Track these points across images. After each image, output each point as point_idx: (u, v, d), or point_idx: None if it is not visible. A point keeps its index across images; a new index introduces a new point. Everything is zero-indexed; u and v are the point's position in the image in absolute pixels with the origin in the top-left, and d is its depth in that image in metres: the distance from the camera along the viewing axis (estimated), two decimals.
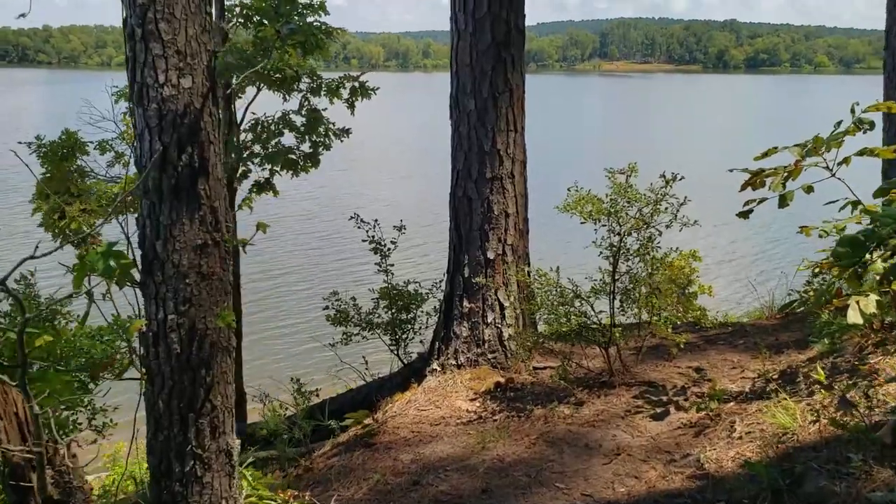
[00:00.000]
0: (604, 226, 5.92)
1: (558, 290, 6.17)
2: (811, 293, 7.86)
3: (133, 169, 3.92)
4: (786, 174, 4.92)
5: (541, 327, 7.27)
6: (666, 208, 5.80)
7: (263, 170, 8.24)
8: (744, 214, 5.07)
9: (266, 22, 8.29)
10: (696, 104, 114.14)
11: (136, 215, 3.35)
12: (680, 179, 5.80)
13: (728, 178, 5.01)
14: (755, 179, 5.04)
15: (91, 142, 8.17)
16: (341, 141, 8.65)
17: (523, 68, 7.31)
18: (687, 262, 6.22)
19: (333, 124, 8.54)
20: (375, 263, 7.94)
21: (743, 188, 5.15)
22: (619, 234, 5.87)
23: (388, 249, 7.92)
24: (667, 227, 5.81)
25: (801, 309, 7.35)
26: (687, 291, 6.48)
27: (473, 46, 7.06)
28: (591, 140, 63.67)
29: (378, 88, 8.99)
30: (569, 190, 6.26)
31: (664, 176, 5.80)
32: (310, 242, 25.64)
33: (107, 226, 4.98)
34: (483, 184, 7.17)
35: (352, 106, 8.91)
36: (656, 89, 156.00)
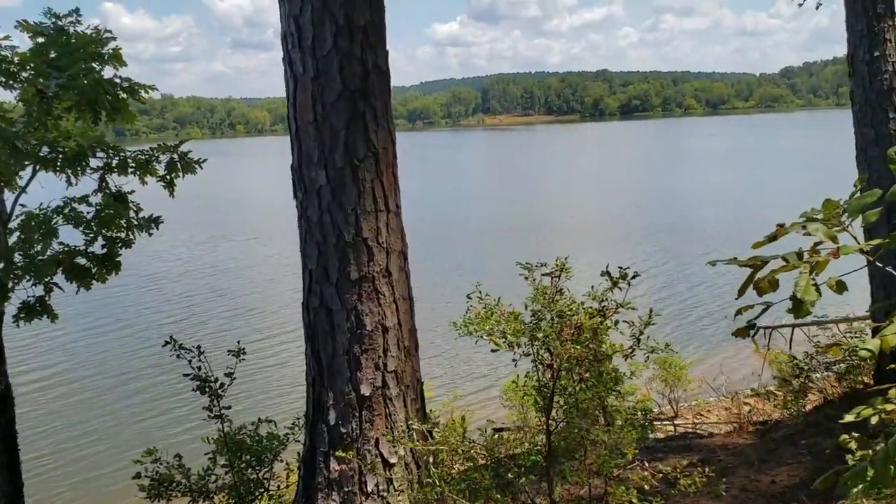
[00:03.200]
0: (526, 355, 3.86)
1: (467, 446, 4.05)
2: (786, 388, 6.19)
3: None
4: (811, 267, 3.07)
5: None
6: (616, 322, 3.81)
7: (35, 285, 5.79)
8: (743, 332, 3.20)
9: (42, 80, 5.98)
10: (584, 151, 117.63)
11: None
12: (633, 278, 3.84)
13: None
14: (764, 280, 3.16)
15: None
16: (149, 234, 6.32)
17: (391, 123, 5.27)
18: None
19: (137, 212, 6.19)
20: (204, 407, 5.59)
21: (741, 292, 3.28)
22: (550, 365, 3.81)
23: (222, 386, 5.59)
24: (625, 357, 3.81)
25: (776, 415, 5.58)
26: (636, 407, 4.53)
27: (317, 97, 4.98)
28: (488, 198, 63.22)
29: (205, 160, 6.73)
30: (468, 297, 4.19)
31: (608, 274, 3.82)
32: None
33: None
34: (347, 288, 5.02)
35: (170, 185, 6.61)
36: (541, 140, 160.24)
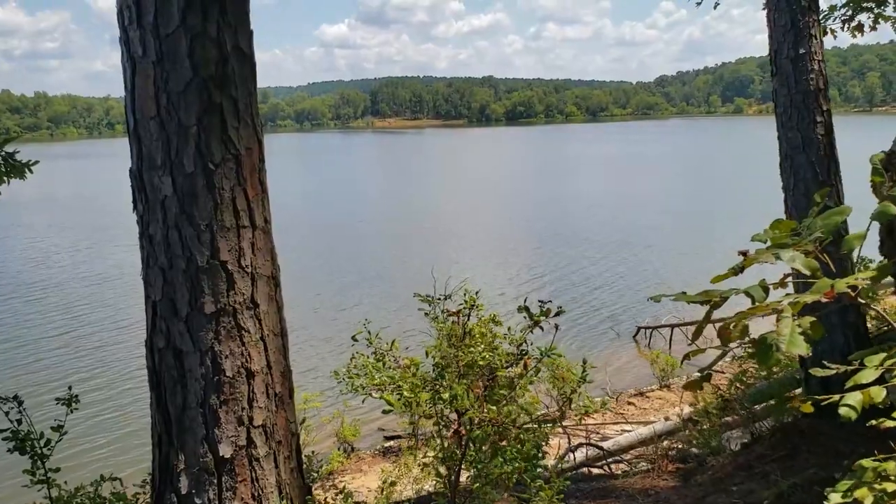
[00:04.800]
0: (427, 417, 3.02)
1: None
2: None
3: None
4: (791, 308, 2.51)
5: None
6: (538, 370, 3.03)
7: None
8: (695, 385, 2.63)
9: None
10: (473, 154, 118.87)
11: None
12: (557, 314, 3.07)
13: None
14: (733, 327, 2.56)
15: None
16: None
17: (256, 118, 4.30)
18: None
19: None
20: (25, 471, 4.43)
21: (696, 336, 2.70)
22: (457, 431, 2.98)
23: (48, 444, 4.45)
24: (551, 424, 3.03)
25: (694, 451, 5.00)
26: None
27: (161, 86, 3.95)
28: (378, 201, 62.32)
29: (36, 162, 5.54)
30: (353, 339, 3.31)
31: (527, 310, 3.04)
32: None
33: None
34: (201, 324, 4.01)
35: None
36: (431, 143, 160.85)
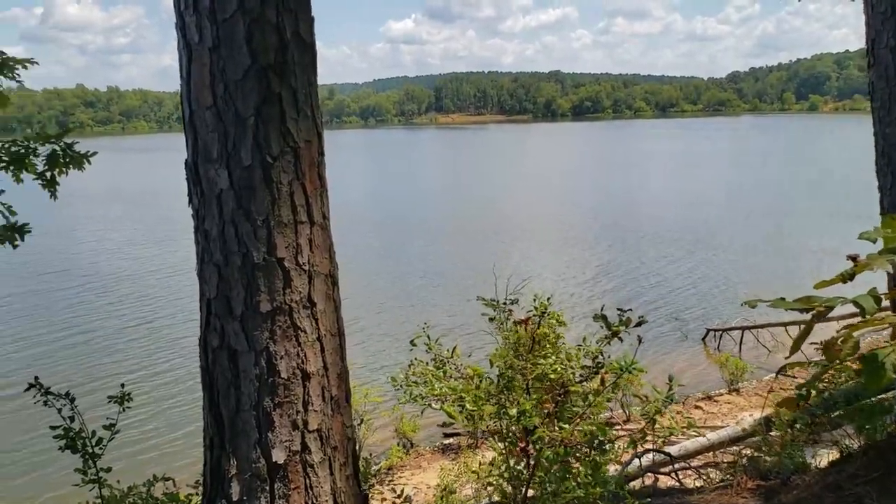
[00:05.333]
0: (492, 433, 2.76)
1: None
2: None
3: None
4: None
5: None
6: (615, 386, 2.73)
7: None
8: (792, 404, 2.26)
9: None
10: (539, 150, 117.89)
11: None
12: (638, 324, 2.76)
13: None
14: (843, 344, 2.24)
15: None
16: (13, 246, 5.03)
17: (317, 110, 4.10)
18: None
19: (7, 216, 4.91)
20: (76, 469, 4.36)
21: (795, 350, 2.39)
22: (524, 449, 2.71)
23: (100, 443, 4.37)
24: (630, 444, 2.73)
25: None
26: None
27: (217, 74, 3.80)
28: (444, 196, 62.28)
29: (94, 154, 5.49)
30: (412, 344, 3.08)
31: (603, 319, 2.73)
32: None
33: None
34: (256, 324, 3.85)
35: (51, 183, 5.36)
36: (495, 138, 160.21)
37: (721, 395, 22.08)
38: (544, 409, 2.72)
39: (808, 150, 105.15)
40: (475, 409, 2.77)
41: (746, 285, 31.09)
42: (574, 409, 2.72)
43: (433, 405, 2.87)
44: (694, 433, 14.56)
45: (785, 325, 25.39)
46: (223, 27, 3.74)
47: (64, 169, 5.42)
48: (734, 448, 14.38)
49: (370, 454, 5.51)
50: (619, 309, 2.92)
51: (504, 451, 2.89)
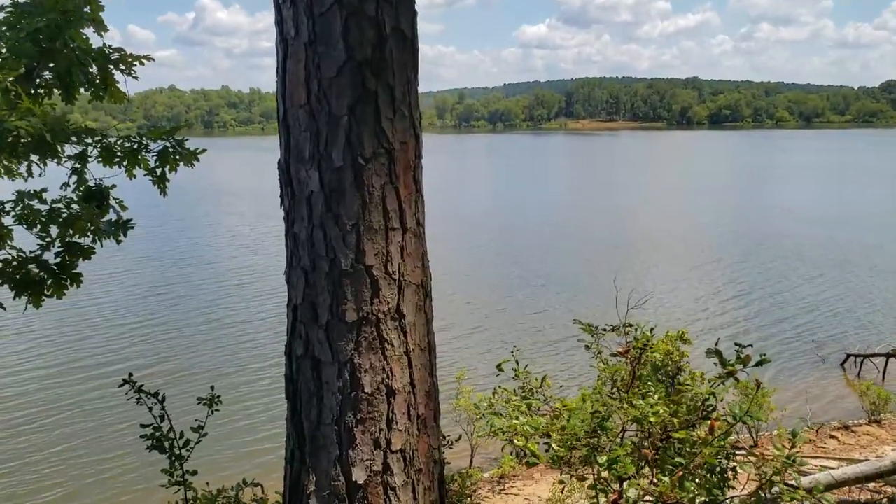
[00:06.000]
0: (580, 479, 2.40)
1: None
2: None
3: None
4: None
5: None
6: (728, 434, 2.30)
7: None
8: None
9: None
10: (675, 160, 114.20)
11: None
12: (759, 364, 2.32)
13: None
14: None
15: None
16: (117, 241, 5.09)
17: (415, 111, 3.86)
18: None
19: (118, 211, 4.99)
20: (163, 470, 4.33)
21: None
22: (617, 500, 2.34)
23: (187, 444, 4.32)
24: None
25: None
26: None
27: (312, 70, 3.63)
28: (564, 205, 61.46)
29: (203, 150, 5.51)
30: (499, 368, 2.76)
31: (717, 354, 2.31)
32: None
33: None
34: (341, 333, 3.65)
35: (161, 179, 5.42)
36: (625, 146, 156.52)
37: (860, 425, 20.43)
38: (644, 456, 2.34)
39: None
40: (563, 450, 2.43)
41: (891, 307, 28.60)
42: (678, 459, 2.31)
43: (515, 441, 2.56)
44: (817, 464, 13.41)
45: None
46: (319, 21, 3.57)
47: (174, 166, 5.48)
48: (872, 485, 13.09)
49: (464, 476, 5.23)
50: (736, 344, 2.49)
51: (595, 498, 2.52)
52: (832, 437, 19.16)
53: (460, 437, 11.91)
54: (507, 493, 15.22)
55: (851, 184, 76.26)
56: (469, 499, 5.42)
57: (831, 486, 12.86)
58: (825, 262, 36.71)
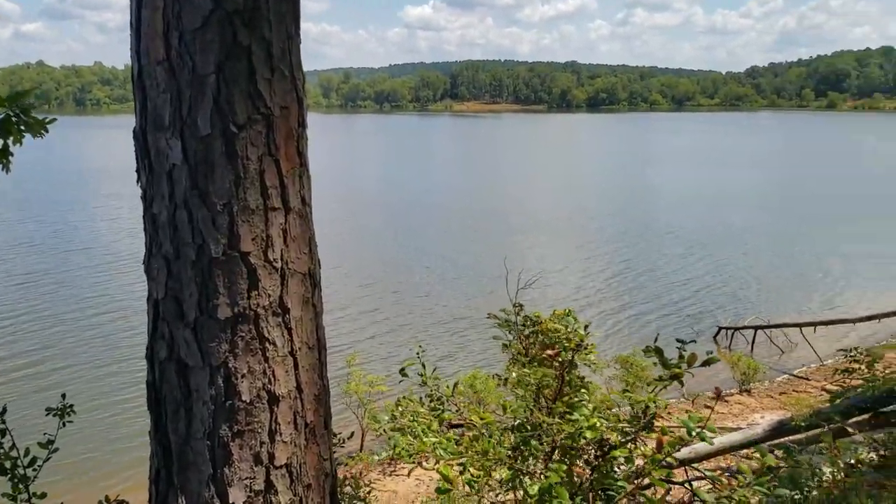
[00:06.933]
0: None
1: None
2: None
3: None
4: None
5: None
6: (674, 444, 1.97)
7: None
8: None
9: None
10: (555, 142, 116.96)
11: None
12: (706, 363, 2.02)
13: None
14: None
15: None
16: None
17: (297, 69, 3.33)
18: None
19: None
20: (5, 494, 3.64)
21: None
22: None
23: (33, 463, 3.64)
24: None
25: None
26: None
27: (172, 21, 3.04)
28: (453, 188, 61.65)
29: (53, 120, 4.76)
30: (402, 373, 2.33)
31: (657, 353, 1.99)
32: None
33: None
34: (213, 333, 3.10)
35: (2, 154, 4.64)
36: (510, 128, 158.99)
37: (732, 394, 21.58)
38: (577, 476, 2.00)
39: (831, 147, 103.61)
40: (482, 475, 2.05)
41: (765, 283, 30.31)
42: (620, 483, 1.98)
43: (424, 465, 2.16)
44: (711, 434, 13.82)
45: (800, 325, 24.68)
46: None
47: (19, 137, 4.69)
48: (744, 452, 13.69)
49: (357, 480, 4.83)
50: (678, 340, 2.20)
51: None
52: (707, 406, 20.06)
53: (353, 434, 11.43)
54: (397, 475, 15.00)
55: (722, 166, 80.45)
56: (363, 502, 5.00)
57: (709, 455, 13.36)
58: (698, 241, 38.48)
